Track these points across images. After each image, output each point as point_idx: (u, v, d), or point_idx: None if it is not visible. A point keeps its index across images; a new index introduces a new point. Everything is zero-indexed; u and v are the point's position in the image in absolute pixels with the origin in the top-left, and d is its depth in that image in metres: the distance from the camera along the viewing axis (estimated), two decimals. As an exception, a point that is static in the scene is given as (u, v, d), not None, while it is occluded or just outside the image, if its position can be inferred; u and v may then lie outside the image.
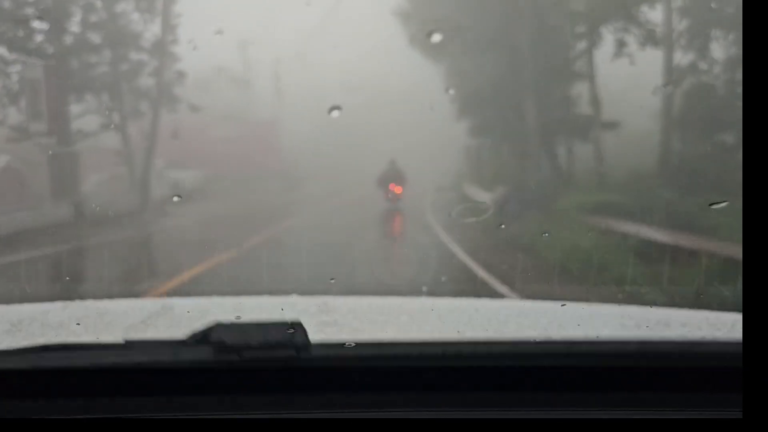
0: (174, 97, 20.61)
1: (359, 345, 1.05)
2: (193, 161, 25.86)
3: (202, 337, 1.03)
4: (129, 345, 1.04)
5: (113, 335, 1.16)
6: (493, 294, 6.39)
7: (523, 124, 17.90)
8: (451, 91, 20.93)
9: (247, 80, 36.47)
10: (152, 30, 19.94)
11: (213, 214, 16.45)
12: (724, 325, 1.26)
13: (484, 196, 16.77)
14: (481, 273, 7.67)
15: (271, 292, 1.88)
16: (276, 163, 32.28)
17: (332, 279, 5.31)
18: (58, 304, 1.56)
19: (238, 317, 1.09)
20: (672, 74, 15.41)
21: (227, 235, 11.06)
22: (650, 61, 15.90)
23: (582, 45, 16.55)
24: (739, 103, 1.06)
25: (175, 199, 16.25)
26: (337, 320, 1.41)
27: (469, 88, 19.58)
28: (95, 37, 19.02)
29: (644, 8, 14.80)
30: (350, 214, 14.28)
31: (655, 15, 14.82)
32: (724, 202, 4.60)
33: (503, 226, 11.22)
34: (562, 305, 1.44)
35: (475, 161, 25.79)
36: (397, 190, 17.50)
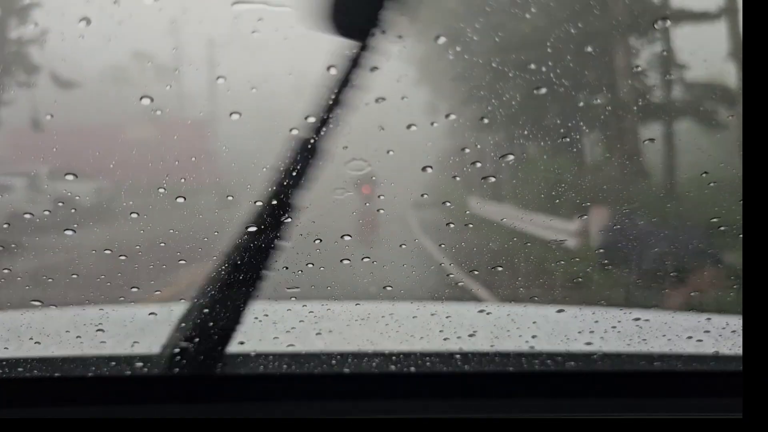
0: (28, 63, 13.38)
1: (359, 354, 1.02)
2: (94, 169, 21.67)
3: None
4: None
5: (108, 342, 1.20)
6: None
7: (596, 102, 11.31)
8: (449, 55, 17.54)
9: (171, 66, 33.27)
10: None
11: (97, 249, 10.84)
12: (728, 331, 1.27)
13: (544, 225, 8.47)
14: None
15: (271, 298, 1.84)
16: (209, 172, 27.85)
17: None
18: (55, 311, 1.54)
19: None
20: None
21: (92, 294, 7.60)
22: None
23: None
24: None
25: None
26: (337, 326, 1.40)
27: (481, 54, 13.36)
28: None
29: None
30: (299, 253, 10.45)
31: None
32: None
33: None
34: (559, 311, 1.44)
35: (481, 164, 21.76)
36: (367, 191, 18.77)
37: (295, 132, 1.17)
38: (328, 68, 1.19)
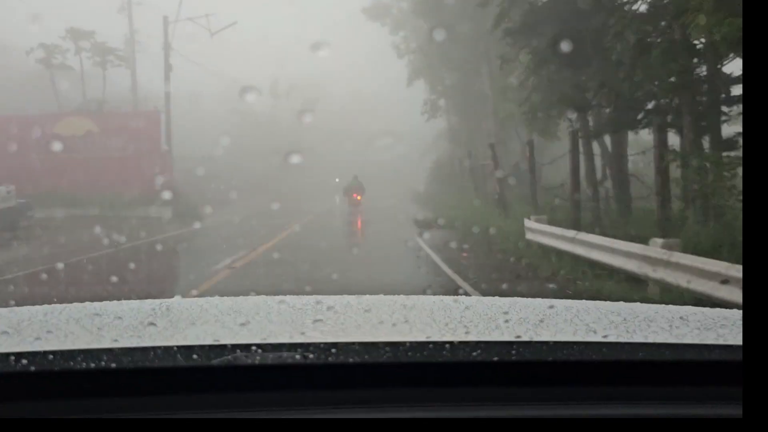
0: None
1: (353, 344, 1.01)
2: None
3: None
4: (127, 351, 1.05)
5: (111, 336, 1.18)
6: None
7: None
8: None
9: (118, 50, 23.69)
10: None
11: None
12: (714, 324, 1.30)
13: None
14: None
15: (269, 293, 1.82)
16: (161, 177, 18.98)
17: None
18: (57, 307, 1.51)
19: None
20: None
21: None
22: None
23: None
24: None
25: None
26: (331, 318, 1.40)
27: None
28: None
29: None
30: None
31: None
32: None
33: None
34: (550, 306, 1.46)
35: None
36: (357, 197, 17.94)
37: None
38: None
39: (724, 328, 1.25)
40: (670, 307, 1.50)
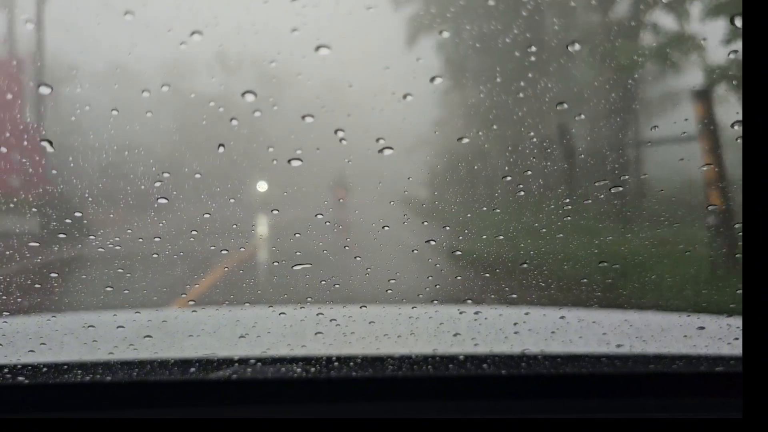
0: None
1: (356, 357, 0.97)
2: None
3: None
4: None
5: (105, 349, 1.16)
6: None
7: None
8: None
9: None
10: None
11: None
12: (725, 332, 1.28)
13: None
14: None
15: (269, 302, 1.73)
16: (25, 171, 9.55)
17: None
18: (51, 317, 1.48)
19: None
20: None
21: None
22: None
23: None
24: None
25: None
26: (333, 330, 1.37)
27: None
28: None
29: None
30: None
31: None
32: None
33: None
34: (562, 317, 1.42)
35: None
36: (342, 195, 17.71)
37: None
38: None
39: (739, 339, 1.23)
40: (685, 316, 1.47)
